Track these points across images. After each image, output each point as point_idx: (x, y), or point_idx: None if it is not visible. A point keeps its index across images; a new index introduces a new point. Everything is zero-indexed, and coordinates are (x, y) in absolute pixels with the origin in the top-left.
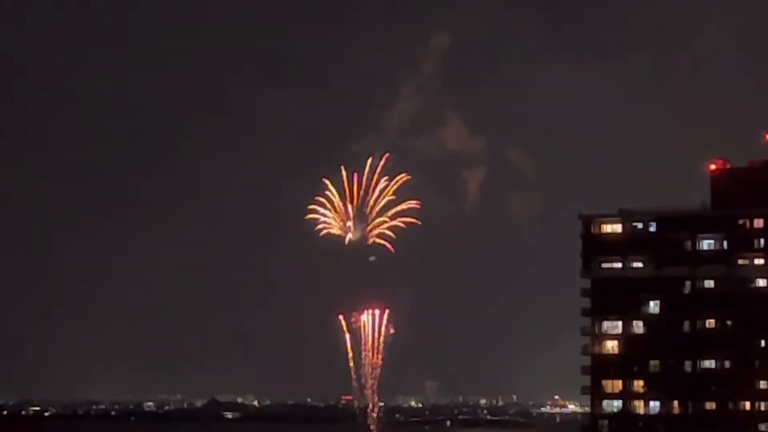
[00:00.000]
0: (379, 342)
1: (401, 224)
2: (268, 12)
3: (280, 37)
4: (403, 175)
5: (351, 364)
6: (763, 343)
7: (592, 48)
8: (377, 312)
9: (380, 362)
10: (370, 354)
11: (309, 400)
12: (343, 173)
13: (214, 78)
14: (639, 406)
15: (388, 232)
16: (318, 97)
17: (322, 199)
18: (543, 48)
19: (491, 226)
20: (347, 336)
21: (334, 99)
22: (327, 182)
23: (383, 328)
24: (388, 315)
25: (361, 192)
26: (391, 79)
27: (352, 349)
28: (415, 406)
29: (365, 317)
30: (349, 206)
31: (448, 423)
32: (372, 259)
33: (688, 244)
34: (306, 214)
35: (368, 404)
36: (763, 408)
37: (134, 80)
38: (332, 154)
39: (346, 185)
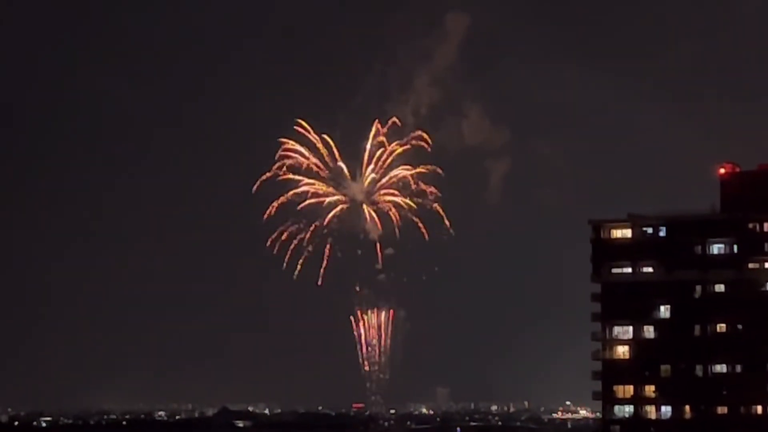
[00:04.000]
0: (389, 348)
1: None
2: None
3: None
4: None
5: (363, 370)
6: None
7: (605, 49)
8: (388, 316)
9: (391, 369)
10: (381, 360)
11: (320, 408)
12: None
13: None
14: (651, 411)
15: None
16: (324, 91)
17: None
18: (544, 48)
19: (501, 228)
20: (358, 343)
21: (342, 91)
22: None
23: (394, 333)
24: (401, 319)
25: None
26: (405, 67)
27: (363, 356)
28: (426, 412)
29: (376, 322)
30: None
31: (458, 430)
32: (389, 251)
33: (698, 248)
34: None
35: (378, 411)
36: None
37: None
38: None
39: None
